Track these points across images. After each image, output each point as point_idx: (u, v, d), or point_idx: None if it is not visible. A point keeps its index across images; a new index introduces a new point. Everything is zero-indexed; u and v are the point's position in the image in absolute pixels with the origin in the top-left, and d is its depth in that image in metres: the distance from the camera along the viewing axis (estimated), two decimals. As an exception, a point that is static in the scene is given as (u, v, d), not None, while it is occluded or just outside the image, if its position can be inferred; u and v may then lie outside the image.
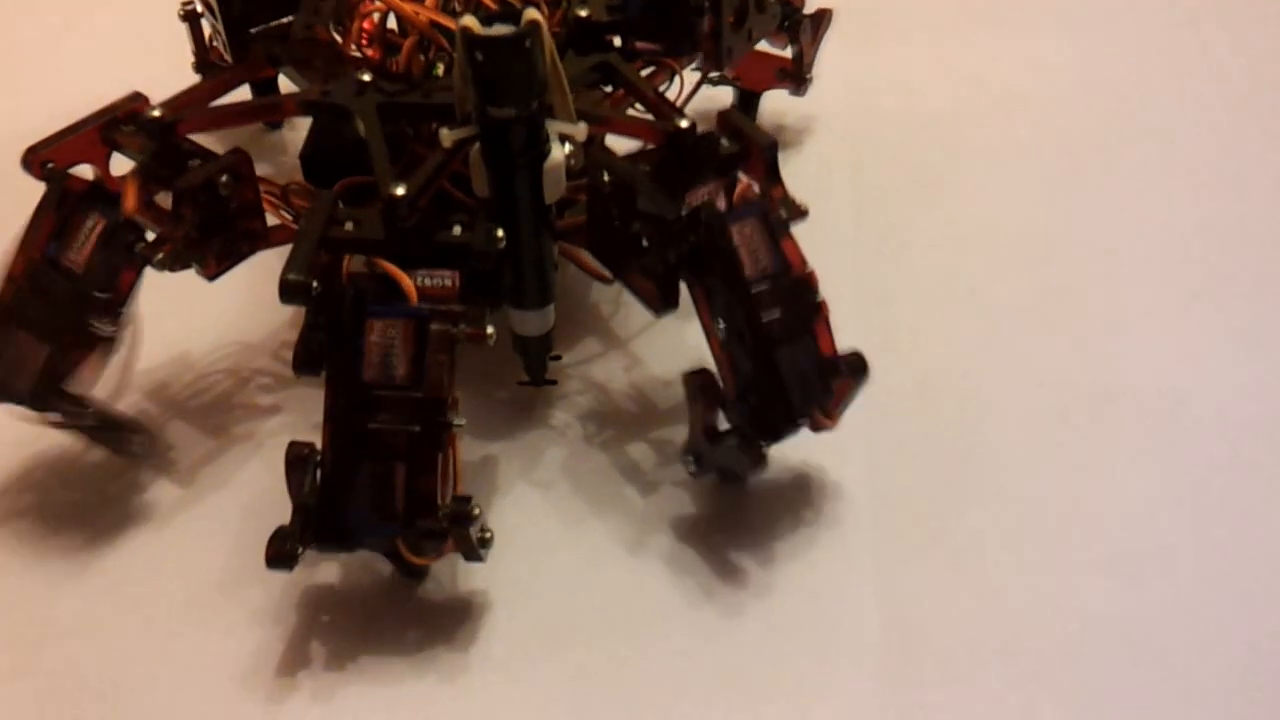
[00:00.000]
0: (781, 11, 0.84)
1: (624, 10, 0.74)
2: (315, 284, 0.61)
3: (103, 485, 0.72)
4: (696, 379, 0.66)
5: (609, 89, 0.75)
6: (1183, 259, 0.85)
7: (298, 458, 0.61)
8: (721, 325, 0.64)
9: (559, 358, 0.76)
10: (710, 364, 0.67)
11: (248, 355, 0.79)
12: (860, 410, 0.68)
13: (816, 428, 0.66)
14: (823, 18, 0.89)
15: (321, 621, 0.66)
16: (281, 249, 0.70)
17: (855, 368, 0.66)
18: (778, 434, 0.64)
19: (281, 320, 0.79)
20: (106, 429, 0.69)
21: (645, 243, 0.66)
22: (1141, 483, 0.71)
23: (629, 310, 0.80)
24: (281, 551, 0.60)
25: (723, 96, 0.91)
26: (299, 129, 0.91)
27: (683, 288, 0.67)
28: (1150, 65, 1.01)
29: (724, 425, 0.66)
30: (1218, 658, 0.63)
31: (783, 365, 0.63)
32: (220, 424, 0.75)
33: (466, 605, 0.66)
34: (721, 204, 0.67)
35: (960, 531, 0.69)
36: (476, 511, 0.61)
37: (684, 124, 0.67)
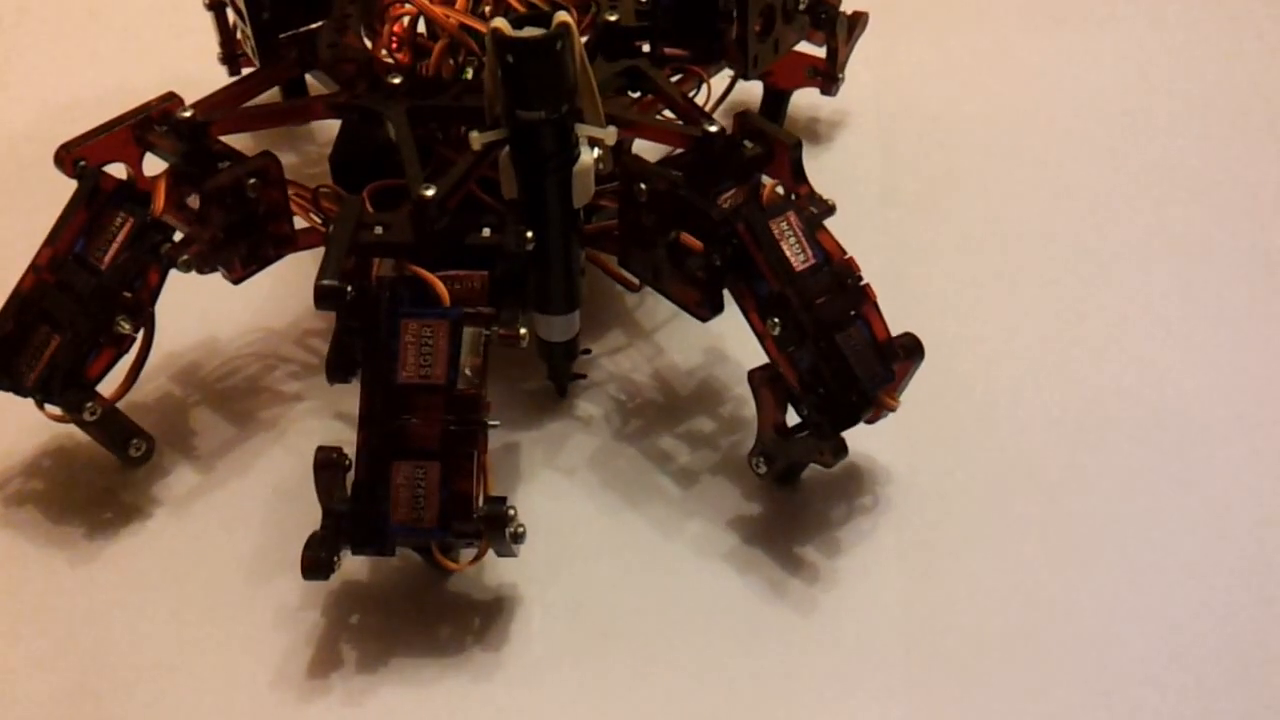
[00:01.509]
0: (816, 8, 0.83)
1: (653, 16, 0.74)
2: (349, 289, 0.61)
3: (123, 471, 0.71)
4: (762, 374, 0.66)
5: (636, 94, 0.75)
6: (1223, 259, 0.84)
7: (327, 462, 0.61)
8: (775, 322, 0.64)
9: (588, 351, 0.75)
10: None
11: (273, 341, 0.79)
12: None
13: (876, 415, 0.65)
14: (858, 20, 0.89)
15: (351, 618, 0.65)
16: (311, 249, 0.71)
17: (910, 349, 0.66)
18: (853, 417, 0.63)
19: (307, 307, 0.77)
20: (104, 432, 0.69)
21: (682, 251, 0.66)
22: (1180, 490, 0.70)
23: (654, 300, 0.79)
24: (317, 560, 0.60)
25: (753, 95, 0.91)
26: (322, 123, 0.90)
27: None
28: (1186, 66, 1.01)
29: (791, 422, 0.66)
30: (1258, 669, 0.63)
31: (845, 349, 0.63)
32: (244, 409, 0.75)
33: (499, 600, 0.66)
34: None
35: (1004, 523, 0.69)
36: (512, 513, 0.61)
37: (713, 128, 0.67)
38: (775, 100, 0.91)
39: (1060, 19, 1.06)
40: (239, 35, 0.81)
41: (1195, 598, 0.66)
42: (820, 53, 0.87)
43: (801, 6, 0.81)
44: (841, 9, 0.85)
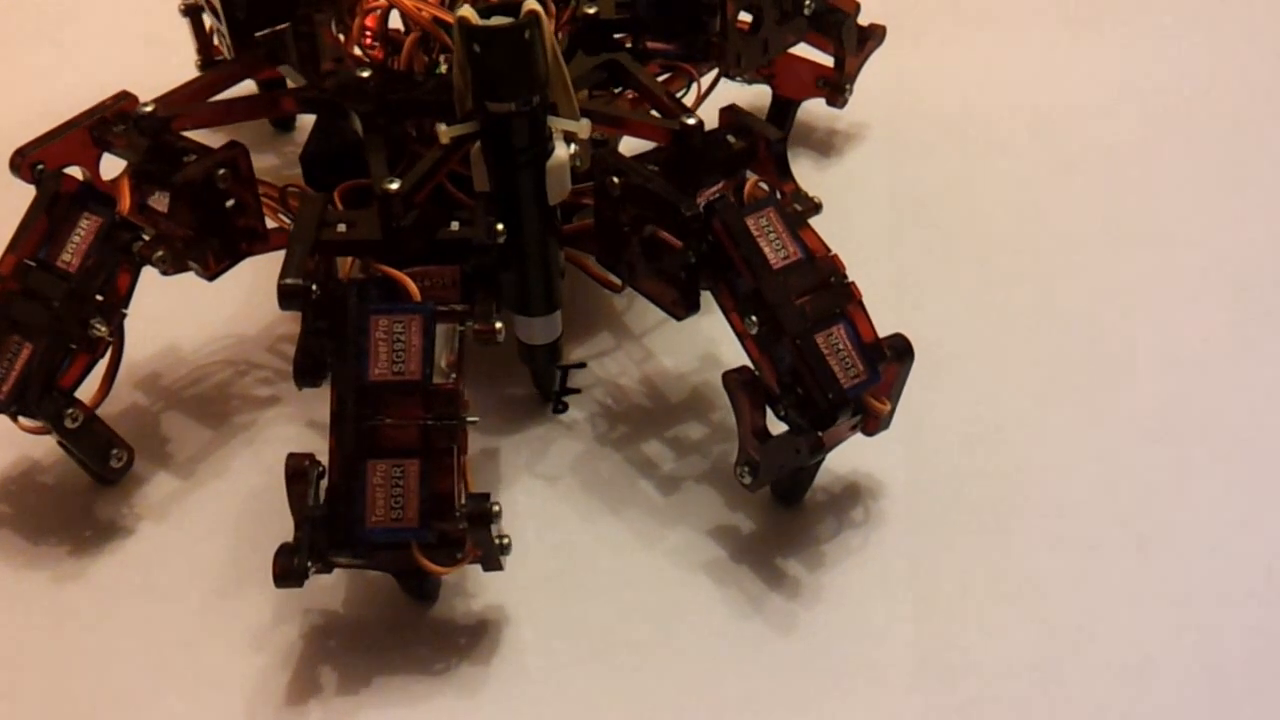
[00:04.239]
0: (825, 14, 0.81)
1: (633, 7, 0.72)
2: (314, 287, 0.59)
3: (97, 485, 0.70)
4: (738, 376, 0.63)
5: (617, 90, 0.73)
6: (1239, 273, 0.82)
7: (298, 470, 0.58)
8: (754, 320, 0.62)
9: (584, 365, 0.74)
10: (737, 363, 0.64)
11: (244, 348, 0.77)
12: (897, 419, 0.65)
13: (870, 425, 0.63)
14: (873, 33, 0.86)
15: (330, 637, 0.63)
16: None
17: (900, 350, 0.63)
18: (831, 416, 0.61)
19: (277, 312, 0.75)
20: (85, 441, 0.67)
21: (657, 247, 0.64)
22: (1194, 503, 0.68)
23: (643, 302, 0.77)
24: (289, 568, 0.58)
25: (759, 99, 0.89)
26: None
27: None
28: (1201, 71, 0.98)
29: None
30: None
31: (824, 348, 0.61)
32: (217, 415, 0.73)
33: (484, 615, 0.64)
34: (732, 202, 0.65)
35: (1003, 544, 0.67)
36: (497, 509, 0.58)
37: (691, 121, 0.65)
38: (782, 109, 0.89)
39: (1079, 29, 1.04)
40: (215, 40, 0.79)
41: (1210, 613, 0.64)
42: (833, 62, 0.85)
43: (807, 10, 0.79)
44: (858, 19, 0.83)
